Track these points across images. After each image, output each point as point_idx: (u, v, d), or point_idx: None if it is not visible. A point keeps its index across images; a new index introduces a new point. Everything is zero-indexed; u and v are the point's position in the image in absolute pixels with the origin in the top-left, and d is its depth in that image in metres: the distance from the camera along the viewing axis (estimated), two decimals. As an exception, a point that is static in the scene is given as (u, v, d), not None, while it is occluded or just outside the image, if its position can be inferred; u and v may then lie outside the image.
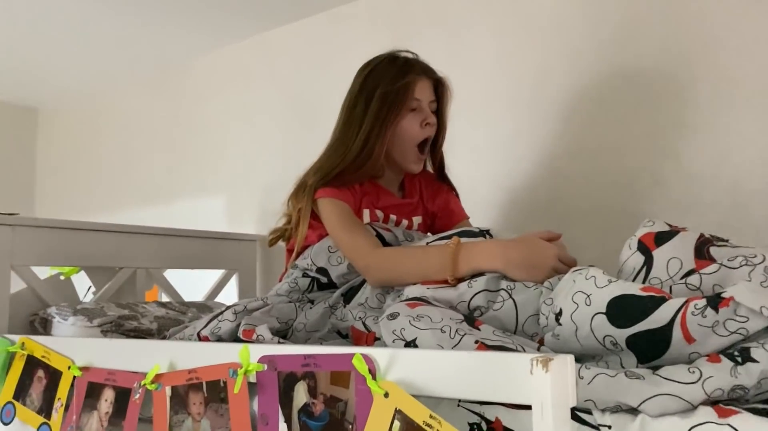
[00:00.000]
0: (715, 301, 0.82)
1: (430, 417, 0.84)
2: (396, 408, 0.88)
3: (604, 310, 0.88)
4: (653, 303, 0.86)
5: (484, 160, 1.94)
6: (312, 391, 0.99)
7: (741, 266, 0.90)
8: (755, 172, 1.52)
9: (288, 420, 1.01)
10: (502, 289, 1.05)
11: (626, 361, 0.87)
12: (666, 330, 0.84)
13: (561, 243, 1.18)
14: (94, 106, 3.15)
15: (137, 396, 1.20)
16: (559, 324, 0.92)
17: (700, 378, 0.75)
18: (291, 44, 2.44)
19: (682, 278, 0.95)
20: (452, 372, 0.84)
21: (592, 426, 0.78)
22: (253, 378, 1.06)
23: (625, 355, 0.87)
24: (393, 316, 1.00)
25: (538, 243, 1.13)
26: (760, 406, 0.74)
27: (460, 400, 0.89)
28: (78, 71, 2.84)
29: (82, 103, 3.19)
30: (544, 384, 0.73)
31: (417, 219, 1.53)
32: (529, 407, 0.78)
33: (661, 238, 0.98)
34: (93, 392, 1.29)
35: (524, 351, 0.91)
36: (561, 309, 0.93)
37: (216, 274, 2.26)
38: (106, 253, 1.86)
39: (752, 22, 1.52)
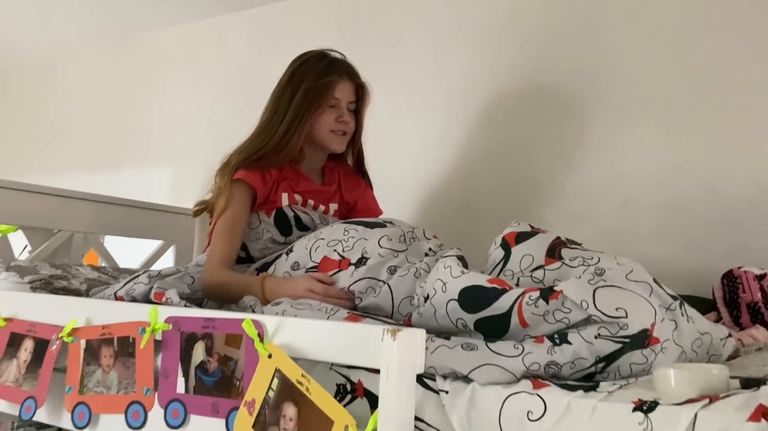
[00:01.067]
0: (547, 294, 0.97)
1: (302, 376, 0.96)
2: (276, 368, 1.00)
3: (456, 297, 1.02)
4: (496, 293, 1.00)
5: (413, 158, 2.07)
6: (209, 350, 1.11)
7: (578, 266, 1.06)
8: (645, 191, 1.68)
9: (186, 375, 1.13)
10: (382, 280, 1.19)
11: (476, 338, 1.01)
12: (506, 317, 0.98)
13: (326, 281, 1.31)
14: (43, 70, 3.19)
15: (54, 347, 1.30)
16: (423, 306, 1.06)
17: (521, 353, 0.90)
18: (243, 30, 2.54)
19: (530, 272, 1.10)
20: (324, 339, 0.97)
21: (434, 391, 0.91)
22: (159, 337, 1.17)
23: (474, 335, 1.01)
24: (277, 303, 1.13)
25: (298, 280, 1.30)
26: (570, 382, 0.88)
27: (332, 364, 1.01)
28: (30, 35, 2.87)
29: (32, 67, 3.22)
30: (391, 351, 0.86)
31: (333, 206, 1.66)
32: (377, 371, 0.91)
33: (521, 237, 1.13)
34: (14, 341, 1.38)
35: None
36: (428, 294, 1.07)
37: (154, 244, 2.34)
38: (45, 215, 1.94)
39: (653, 51, 1.68)
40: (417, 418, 0.89)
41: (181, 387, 1.13)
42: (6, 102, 3.37)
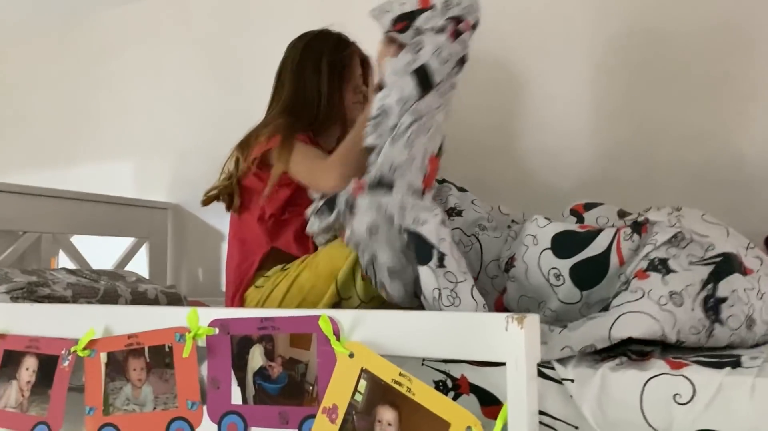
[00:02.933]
0: (638, 227, 0.95)
1: (400, 374, 0.86)
2: (362, 368, 0.89)
3: (549, 246, 0.97)
4: (591, 235, 0.96)
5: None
6: (269, 354, 0.98)
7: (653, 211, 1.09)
8: (671, 153, 1.65)
9: (242, 384, 1.00)
10: (473, 234, 1.11)
11: (566, 295, 0.94)
12: (605, 256, 0.94)
13: None
14: None
15: (66, 363, 1.13)
16: (513, 268, 1.00)
17: (642, 295, 0.84)
18: (210, 6, 2.35)
19: (610, 226, 1.08)
20: (419, 332, 0.87)
21: (556, 381, 0.83)
22: (201, 343, 1.03)
23: (563, 290, 0.95)
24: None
25: None
26: (707, 358, 0.82)
27: (424, 359, 0.91)
28: None
29: None
30: (518, 341, 0.77)
31: None
32: (496, 364, 0.82)
33: (590, 206, 1.15)
34: (10, 361, 1.20)
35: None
36: (514, 255, 1.00)
37: (123, 242, 2.15)
38: (8, 216, 1.73)
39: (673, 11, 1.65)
40: (540, 412, 0.81)
41: (237, 398, 1.00)
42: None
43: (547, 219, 1.03)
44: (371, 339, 0.90)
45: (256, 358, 0.99)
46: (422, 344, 0.87)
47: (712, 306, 0.87)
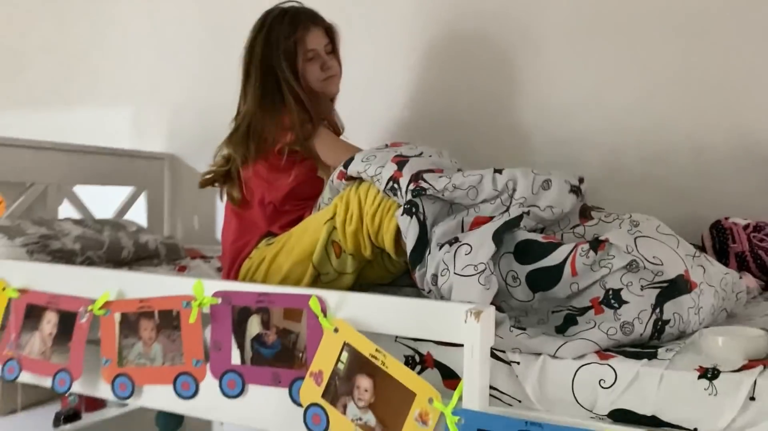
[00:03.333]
0: (596, 245, 1.06)
1: (376, 350, 1.02)
2: (345, 342, 1.05)
3: (512, 251, 1.10)
4: (551, 246, 1.09)
5: (400, 105, 2.08)
6: (265, 324, 1.14)
7: (614, 220, 1.19)
8: (630, 142, 1.78)
9: (241, 347, 1.15)
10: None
11: (520, 295, 1.09)
12: (559, 267, 1.07)
13: None
14: None
15: (84, 319, 1.28)
16: None
17: (596, 325, 0.99)
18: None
19: (570, 229, 1.20)
20: (394, 315, 1.02)
21: (504, 362, 0.99)
22: (206, 310, 1.19)
23: (518, 290, 1.09)
24: None
25: None
26: (630, 349, 0.98)
27: (396, 337, 1.07)
28: None
29: None
30: (474, 331, 0.93)
31: None
32: (457, 345, 0.98)
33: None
34: (32, 313, 1.35)
35: None
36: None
37: (122, 191, 2.27)
38: (17, 168, 1.84)
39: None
40: (491, 386, 0.97)
41: (236, 359, 1.16)
42: None
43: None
44: (353, 317, 1.05)
45: (254, 326, 1.15)
46: (396, 324, 1.03)
47: (659, 328, 1.01)
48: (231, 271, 1.53)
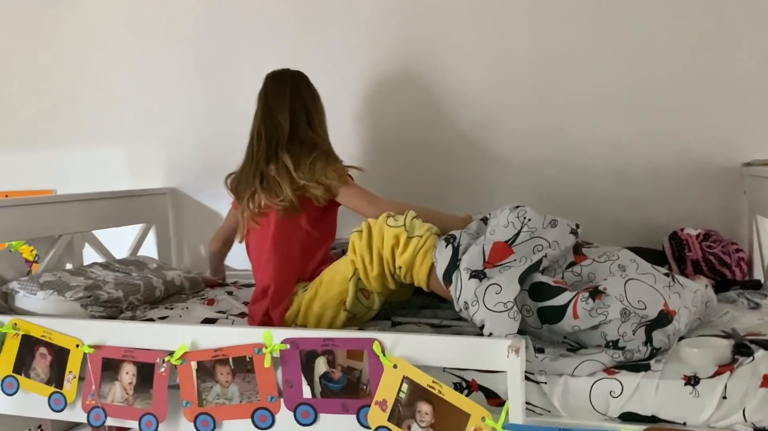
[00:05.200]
0: (594, 294, 1.34)
1: (433, 381, 1.27)
2: (404, 376, 1.30)
3: (527, 289, 1.38)
4: (558, 290, 1.36)
5: (391, 135, 2.32)
6: (331, 363, 1.37)
7: (605, 261, 1.46)
8: (596, 161, 2.07)
9: (310, 383, 1.39)
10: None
11: (532, 323, 1.37)
12: (563, 308, 1.34)
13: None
14: None
15: (162, 369, 1.49)
16: None
17: (602, 350, 1.28)
18: (192, 4, 2.52)
19: (567, 267, 1.48)
20: (443, 350, 1.28)
21: (534, 382, 1.27)
22: (275, 354, 1.41)
23: (531, 319, 1.37)
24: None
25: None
26: (630, 364, 1.27)
27: (445, 368, 1.33)
28: None
29: None
30: (515, 362, 1.19)
31: None
32: (498, 371, 1.24)
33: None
34: (110, 366, 1.54)
35: None
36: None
37: (132, 230, 2.43)
38: (47, 223, 1.99)
39: (601, 47, 2.03)
40: (526, 402, 1.25)
41: (307, 393, 1.39)
42: None
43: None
44: (408, 354, 1.30)
45: (321, 366, 1.38)
46: (447, 358, 1.29)
47: (652, 353, 1.29)
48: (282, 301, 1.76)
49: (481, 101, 2.19)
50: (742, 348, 1.26)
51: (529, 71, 2.13)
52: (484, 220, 1.61)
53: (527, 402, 1.25)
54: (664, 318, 1.31)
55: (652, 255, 1.80)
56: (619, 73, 2.04)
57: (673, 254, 1.80)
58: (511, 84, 2.15)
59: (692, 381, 1.18)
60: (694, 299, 1.42)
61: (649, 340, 1.28)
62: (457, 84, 2.20)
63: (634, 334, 1.30)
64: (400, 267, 1.55)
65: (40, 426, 2.08)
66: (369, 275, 1.60)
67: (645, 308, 1.31)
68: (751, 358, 1.21)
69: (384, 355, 1.32)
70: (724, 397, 1.15)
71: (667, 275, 1.44)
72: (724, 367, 1.20)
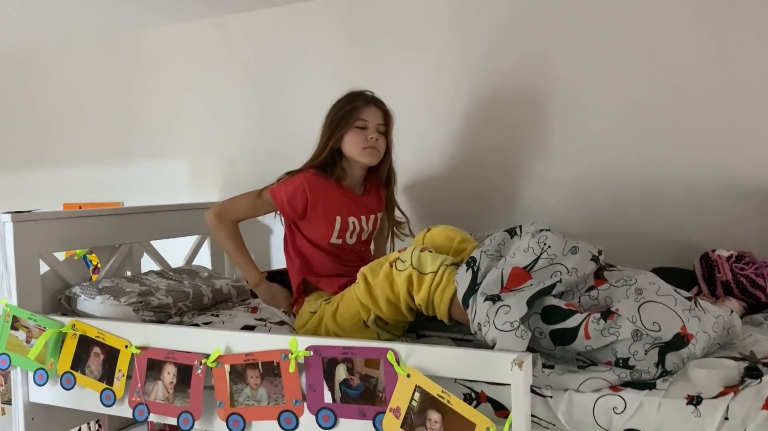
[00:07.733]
0: (606, 314, 1.36)
1: (442, 391, 1.33)
2: (416, 385, 1.37)
3: (539, 312, 1.41)
4: (570, 313, 1.40)
5: (426, 153, 2.39)
6: (350, 371, 1.45)
7: (622, 286, 1.47)
8: (630, 180, 2.08)
9: (331, 389, 1.47)
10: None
11: (545, 346, 1.40)
12: (575, 330, 1.38)
13: None
14: (42, 63, 3.20)
15: (199, 371, 1.61)
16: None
17: (610, 368, 1.30)
18: (249, 30, 2.68)
19: (586, 292, 1.50)
20: (454, 362, 1.34)
21: (542, 395, 1.31)
22: (300, 360, 1.50)
23: (544, 342, 1.40)
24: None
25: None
26: (636, 382, 1.29)
27: (456, 379, 1.39)
28: (31, 23, 2.81)
29: (31, 58, 3.23)
30: (518, 375, 1.24)
31: (372, 216, 2.04)
32: (505, 384, 1.29)
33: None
34: (154, 365, 1.68)
35: None
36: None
37: (188, 239, 2.59)
38: (109, 234, 2.16)
39: (635, 64, 2.04)
40: (532, 415, 1.29)
41: (328, 398, 1.48)
42: (3, 94, 3.37)
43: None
44: (421, 364, 1.37)
45: (341, 373, 1.46)
46: (457, 369, 1.34)
47: (663, 373, 1.30)
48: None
49: (516, 118, 2.24)
50: (753, 371, 1.26)
51: (564, 89, 2.16)
52: (510, 232, 1.64)
53: (533, 415, 1.29)
54: (680, 341, 1.32)
55: (682, 276, 1.80)
56: (655, 91, 2.05)
57: (703, 275, 1.79)
58: (546, 102, 2.19)
59: (695, 400, 1.19)
60: (715, 324, 1.42)
61: (661, 361, 1.30)
62: (492, 104, 2.26)
63: (646, 354, 1.32)
64: (419, 305, 1.62)
65: (98, 421, 2.25)
66: (384, 314, 1.71)
67: (659, 330, 1.33)
68: (758, 380, 1.22)
69: (398, 365, 1.39)
70: (726, 418, 1.16)
71: (689, 299, 1.44)
72: (730, 388, 1.21)
